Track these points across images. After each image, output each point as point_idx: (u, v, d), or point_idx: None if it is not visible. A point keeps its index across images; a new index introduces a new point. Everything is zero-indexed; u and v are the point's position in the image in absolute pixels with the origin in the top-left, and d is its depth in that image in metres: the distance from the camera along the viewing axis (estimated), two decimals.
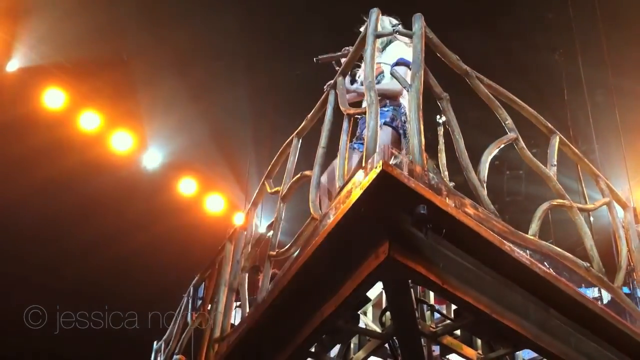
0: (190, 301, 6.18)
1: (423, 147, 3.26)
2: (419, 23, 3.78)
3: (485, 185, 3.58)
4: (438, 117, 5.24)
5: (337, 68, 5.65)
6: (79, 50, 9.57)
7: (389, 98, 4.74)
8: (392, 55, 5.16)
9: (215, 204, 11.43)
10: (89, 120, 10.22)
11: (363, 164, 3.20)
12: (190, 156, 10.83)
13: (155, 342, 7.11)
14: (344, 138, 3.71)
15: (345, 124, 3.75)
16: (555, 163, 4.22)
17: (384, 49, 5.07)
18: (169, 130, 10.53)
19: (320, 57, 5.60)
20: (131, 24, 9.52)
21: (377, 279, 3.10)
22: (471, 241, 3.20)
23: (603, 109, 8.15)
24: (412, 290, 3.29)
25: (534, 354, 4.08)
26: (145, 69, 9.91)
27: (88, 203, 10.06)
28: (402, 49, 4.92)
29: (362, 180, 3.09)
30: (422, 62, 3.59)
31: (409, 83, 3.49)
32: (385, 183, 2.94)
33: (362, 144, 5.10)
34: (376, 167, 2.96)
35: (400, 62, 4.86)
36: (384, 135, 4.94)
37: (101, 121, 10.29)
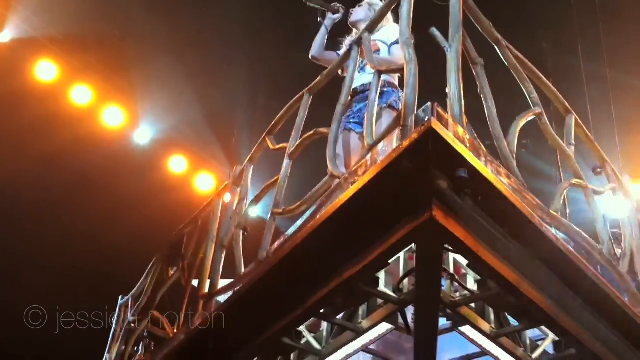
0: (166, 256, 5.98)
1: (463, 110, 3.13)
2: None
3: (514, 156, 3.49)
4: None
5: (319, 19, 5.55)
6: (73, 23, 9.33)
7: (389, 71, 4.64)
8: (387, 34, 5.08)
9: (205, 183, 11.16)
10: (81, 94, 9.94)
11: (402, 122, 3.06)
12: (182, 134, 10.60)
13: (120, 297, 6.85)
14: (372, 95, 3.56)
15: (374, 81, 3.59)
16: (573, 142, 4.15)
17: (379, 28, 4.96)
18: (161, 108, 10.29)
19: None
20: None
21: (412, 240, 2.98)
22: (504, 210, 3.10)
23: (598, 102, 8.14)
24: None
25: (538, 333, 4.04)
26: (140, 45, 9.70)
27: (78, 179, 9.80)
28: (397, 29, 4.86)
29: (402, 138, 2.96)
30: (460, 23, 3.45)
31: (448, 44, 3.35)
32: (431, 142, 2.81)
33: (358, 123, 5.06)
34: (423, 125, 2.82)
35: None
36: (388, 117, 4.86)
37: (93, 95, 10.01)
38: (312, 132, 4.03)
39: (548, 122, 3.93)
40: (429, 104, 2.93)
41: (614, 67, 8.29)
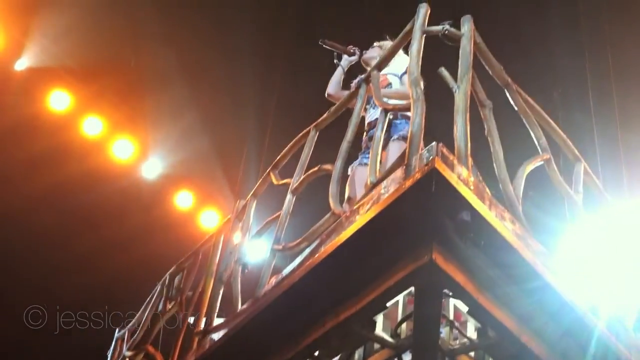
0: (165, 290, 5.88)
1: (469, 152, 3.06)
2: (468, 25, 3.60)
3: (520, 201, 3.40)
4: None
5: (335, 61, 5.53)
6: (90, 52, 9.34)
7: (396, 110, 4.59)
8: (397, 66, 5.05)
9: (210, 220, 10.97)
10: (92, 125, 9.91)
11: (406, 161, 2.99)
12: (190, 168, 10.53)
13: (116, 330, 6.74)
14: (378, 133, 3.50)
15: (381, 118, 3.54)
16: (581, 190, 4.07)
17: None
18: (170, 140, 10.27)
19: (326, 40, 5.47)
20: (145, 30, 9.38)
21: (411, 284, 2.88)
22: (507, 257, 3.01)
23: (609, 161, 8.02)
24: None
25: None
26: (153, 75, 9.71)
27: (85, 213, 9.69)
28: (407, 60, 4.83)
29: (405, 177, 2.89)
30: (470, 64, 3.41)
31: (456, 85, 3.30)
32: (434, 182, 2.73)
33: None
34: (427, 165, 2.75)
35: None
36: (399, 149, 4.79)
37: (104, 127, 9.99)
38: (316, 168, 3.98)
39: (556, 169, 3.86)
40: (434, 143, 2.86)
41: (625, 128, 8.22)
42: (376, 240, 2.96)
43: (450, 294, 3.01)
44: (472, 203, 2.81)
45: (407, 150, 3.04)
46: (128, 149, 10.17)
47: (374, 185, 3.19)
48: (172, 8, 9.59)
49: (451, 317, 3.40)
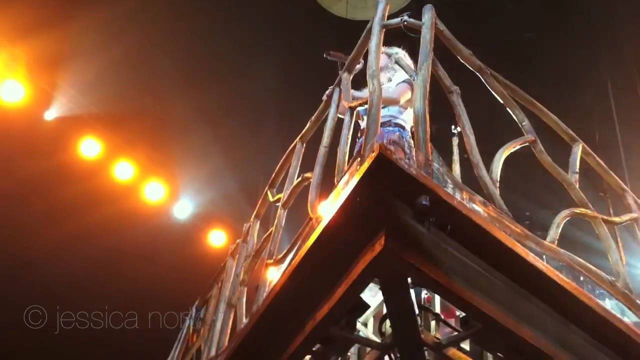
0: (192, 323, 5.91)
1: (428, 137, 2.98)
2: (429, 14, 3.54)
3: (497, 185, 3.28)
4: (452, 127, 4.94)
5: (339, 71, 5.43)
6: (116, 101, 9.57)
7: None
8: (397, 79, 4.96)
9: None
10: (123, 170, 10.10)
11: (361, 152, 2.93)
12: (220, 207, 10.65)
13: None
14: (344, 132, 3.45)
15: (347, 118, 3.49)
16: (577, 170, 3.90)
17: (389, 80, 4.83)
18: (200, 181, 10.44)
19: (330, 52, 5.38)
20: (169, 78, 9.57)
21: (373, 275, 2.80)
22: (480, 240, 2.88)
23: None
24: (413, 293, 2.98)
25: None
26: (179, 119, 9.92)
27: (120, 253, 9.84)
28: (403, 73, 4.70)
29: (358, 169, 2.82)
30: (430, 52, 3.34)
31: (415, 72, 3.23)
32: (382, 168, 2.66)
33: None
34: (373, 152, 2.68)
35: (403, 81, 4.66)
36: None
37: (135, 171, 10.17)
38: (299, 178, 3.94)
39: (543, 150, 3.71)
40: (381, 130, 2.80)
41: None
42: (341, 236, 2.89)
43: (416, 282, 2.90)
44: (428, 185, 2.71)
45: (362, 143, 2.98)
46: (159, 191, 10.33)
47: (338, 182, 3.13)
48: (195, 57, 9.77)
49: (437, 310, 3.28)
